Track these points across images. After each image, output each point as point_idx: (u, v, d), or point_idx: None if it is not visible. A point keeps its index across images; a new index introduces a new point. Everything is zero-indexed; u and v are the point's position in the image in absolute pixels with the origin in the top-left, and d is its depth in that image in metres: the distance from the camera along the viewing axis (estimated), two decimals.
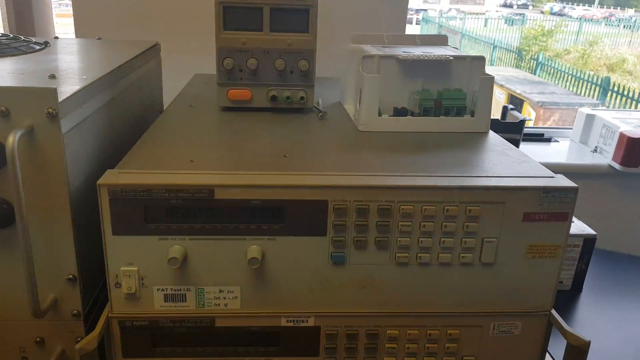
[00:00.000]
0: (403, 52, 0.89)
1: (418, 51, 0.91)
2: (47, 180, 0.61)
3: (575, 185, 0.66)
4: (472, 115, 0.87)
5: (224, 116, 0.91)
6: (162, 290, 0.67)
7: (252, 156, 0.74)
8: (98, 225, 0.63)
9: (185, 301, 0.68)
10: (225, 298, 0.68)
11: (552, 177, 0.68)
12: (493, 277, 0.69)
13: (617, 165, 1.73)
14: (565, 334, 0.68)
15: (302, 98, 0.93)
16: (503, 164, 0.73)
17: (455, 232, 0.66)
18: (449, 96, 0.87)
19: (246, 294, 0.68)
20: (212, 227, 0.64)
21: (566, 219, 0.67)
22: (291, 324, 0.70)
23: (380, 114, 0.86)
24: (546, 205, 0.66)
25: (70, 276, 0.65)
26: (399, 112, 0.87)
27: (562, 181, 0.67)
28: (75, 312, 0.67)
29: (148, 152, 0.73)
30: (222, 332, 0.69)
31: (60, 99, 0.59)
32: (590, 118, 1.89)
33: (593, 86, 7.19)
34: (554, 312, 0.72)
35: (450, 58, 0.87)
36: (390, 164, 0.73)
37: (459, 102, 0.87)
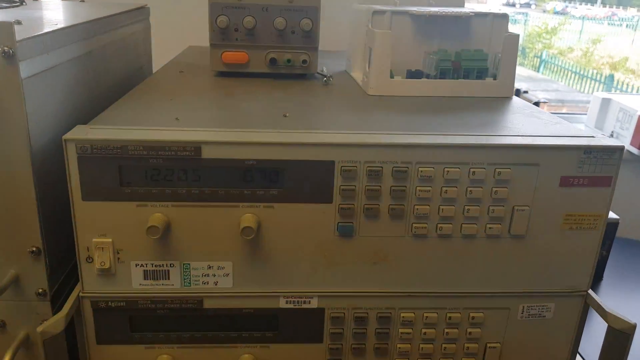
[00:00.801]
0: (417, 9, 0.80)
1: (434, 9, 0.82)
2: (4, 134, 0.52)
3: (621, 144, 0.57)
4: (495, 78, 0.78)
5: (218, 81, 0.82)
6: (141, 265, 0.58)
7: (247, 115, 0.65)
8: (67, 190, 0.54)
9: (169, 279, 0.59)
10: (214, 275, 0.59)
11: (593, 137, 0.59)
12: (524, 251, 0.60)
13: (635, 150, 1.64)
14: (606, 316, 0.59)
15: (304, 62, 0.84)
16: (534, 125, 0.64)
17: (481, 198, 0.57)
18: (469, 57, 0.78)
19: (239, 270, 0.59)
20: (199, 191, 0.55)
21: (609, 184, 0.58)
22: (291, 306, 0.61)
23: (392, 77, 0.76)
24: (586, 168, 0.57)
25: (34, 249, 0.56)
26: (413, 74, 0.78)
27: (605, 140, 0.58)
28: (40, 290, 0.57)
29: (127, 110, 0.64)
30: (212, 314, 0.60)
31: (18, 38, 0.50)
32: (605, 102, 1.80)
33: (597, 84, 7.11)
34: (591, 292, 0.63)
35: (471, 14, 0.78)
36: (406, 124, 0.64)
37: (480, 64, 0.78)
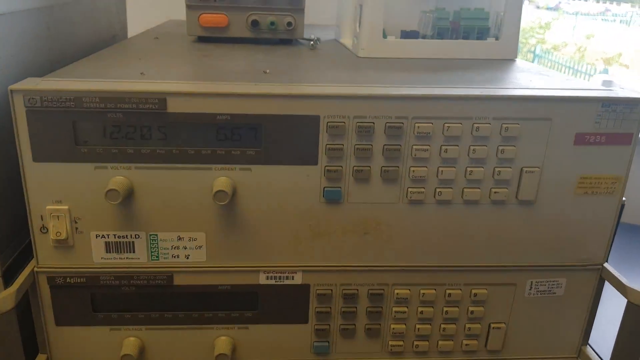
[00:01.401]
0: None
1: None
2: None
3: None
4: (497, 39, 0.71)
5: (194, 45, 0.75)
6: (102, 237, 0.51)
7: (223, 72, 0.58)
8: (16, 150, 0.47)
9: (134, 252, 0.52)
10: (185, 248, 0.52)
11: (610, 89, 0.53)
12: (532, 219, 0.54)
13: None
14: (625, 291, 0.53)
15: (289, 24, 0.77)
16: (545, 81, 0.58)
17: (485, 158, 0.51)
18: (469, 16, 0.71)
19: (213, 242, 0.52)
20: (165, 151, 0.49)
21: (629, 142, 0.52)
22: (272, 282, 0.54)
23: (385, 37, 0.70)
24: (604, 124, 0.51)
25: None
26: (408, 35, 0.72)
27: (625, 92, 0.52)
28: None
29: (87, 67, 0.58)
30: (183, 292, 0.54)
31: None
32: (607, 85, 1.75)
33: (590, 78, 7.09)
34: (608, 266, 0.56)
35: None
36: (401, 80, 0.57)
37: (481, 23, 0.71)
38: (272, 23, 0.77)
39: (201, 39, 0.78)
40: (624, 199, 0.94)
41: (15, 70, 0.54)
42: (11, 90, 0.46)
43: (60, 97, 0.46)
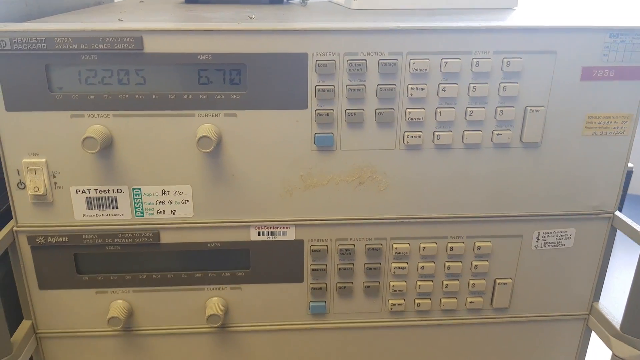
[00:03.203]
0: None
1: None
2: None
3: None
4: None
5: (182, 6, 0.72)
6: (83, 192, 0.48)
7: (206, 19, 0.55)
8: None
9: (117, 207, 0.49)
10: (171, 202, 0.50)
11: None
12: (538, 163, 0.50)
13: None
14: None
15: None
16: (549, 18, 0.54)
17: (487, 97, 0.48)
18: None
19: (200, 196, 0.49)
20: (144, 96, 0.46)
21: None
22: (264, 238, 0.51)
23: None
24: (613, 56, 0.47)
25: None
26: None
27: (635, 21, 0.48)
28: None
29: (63, 19, 0.55)
30: (171, 251, 0.51)
31: None
32: None
33: None
34: (619, 214, 0.53)
35: None
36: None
37: None
38: None
39: (189, 1, 0.75)
40: (631, 165, 0.91)
41: None
42: None
43: (31, 38, 0.43)
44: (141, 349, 0.55)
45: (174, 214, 0.50)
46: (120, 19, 0.50)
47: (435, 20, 0.51)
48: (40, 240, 0.49)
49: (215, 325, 0.52)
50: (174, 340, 0.55)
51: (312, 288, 0.53)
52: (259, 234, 0.51)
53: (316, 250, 0.52)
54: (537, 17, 0.53)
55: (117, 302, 0.52)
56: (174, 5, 0.71)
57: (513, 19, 0.52)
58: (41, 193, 0.48)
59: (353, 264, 0.53)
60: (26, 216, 0.49)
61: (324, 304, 0.54)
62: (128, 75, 0.45)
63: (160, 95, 0.46)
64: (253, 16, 0.54)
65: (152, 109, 0.46)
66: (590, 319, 0.57)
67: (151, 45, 0.44)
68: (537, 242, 0.54)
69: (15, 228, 0.49)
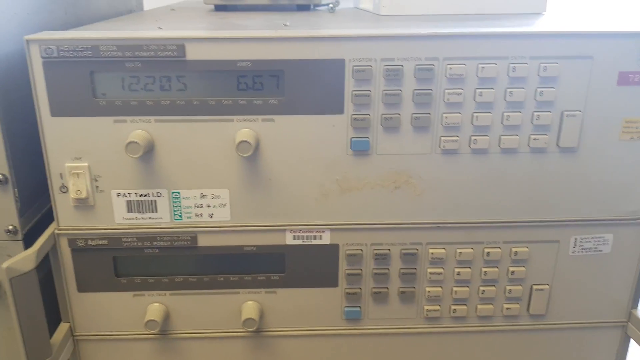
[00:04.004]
0: None
1: None
2: None
3: None
4: None
5: (212, 14, 0.74)
6: (124, 195, 0.49)
7: (241, 27, 0.56)
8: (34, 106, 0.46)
9: (156, 211, 0.50)
10: (209, 206, 0.50)
11: None
12: (575, 168, 0.50)
13: None
14: None
15: None
16: (585, 23, 0.54)
17: (523, 102, 0.48)
18: None
19: (237, 199, 0.50)
20: (185, 102, 0.47)
21: None
22: (299, 242, 0.52)
23: None
24: None
25: (0, 176, 0.48)
26: None
27: None
28: (10, 227, 0.49)
29: (104, 27, 0.56)
30: (208, 254, 0.52)
31: None
32: None
33: None
34: None
35: None
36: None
37: None
38: None
39: (218, 8, 0.77)
40: None
41: (30, 29, 0.52)
42: (27, 41, 0.44)
43: (77, 46, 0.45)
44: (177, 352, 0.55)
45: (211, 217, 0.51)
46: (159, 27, 0.51)
47: (470, 25, 0.51)
48: (81, 243, 0.51)
49: (250, 330, 0.52)
50: (209, 344, 0.55)
51: (347, 293, 0.53)
52: (294, 237, 0.52)
53: (351, 254, 0.52)
54: (572, 22, 0.53)
55: (154, 305, 0.53)
56: (205, 12, 0.73)
57: (549, 24, 0.52)
58: (83, 197, 0.49)
59: (388, 269, 0.53)
60: (67, 219, 0.50)
61: (358, 309, 0.54)
62: (170, 81, 0.46)
63: (201, 101, 0.47)
64: (287, 23, 0.55)
65: (193, 114, 0.47)
66: (628, 326, 0.56)
67: (193, 53, 0.45)
68: (574, 247, 0.53)
69: (56, 231, 0.50)
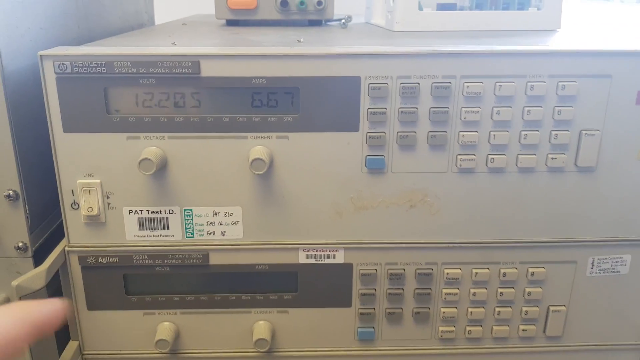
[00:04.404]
0: None
1: None
2: None
3: None
4: (539, 9, 0.68)
5: (223, 28, 0.73)
6: (136, 212, 0.49)
7: (255, 43, 0.56)
8: (47, 121, 0.46)
9: (168, 228, 0.50)
10: (221, 224, 0.50)
11: None
12: (593, 188, 0.49)
13: None
14: None
15: (319, 3, 0.74)
16: (604, 37, 0.54)
17: (541, 120, 0.47)
18: None
19: (250, 217, 0.49)
20: (199, 119, 0.46)
21: None
22: (312, 261, 0.51)
23: (420, 9, 0.67)
24: None
25: (10, 192, 0.47)
26: (445, 6, 0.68)
27: None
28: (19, 244, 0.49)
29: (117, 42, 0.56)
30: (220, 273, 0.51)
31: None
32: None
33: None
34: None
35: None
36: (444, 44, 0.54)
37: None
38: (302, 3, 0.74)
39: (229, 23, 0.77)
40: None
41: (44, 44, 0.52)
42: (41, 56, 0.44)
43: (91, 62, 0.44)
44: None
45: (223, 235, 0.50)
46: (173, 43, 0.51)
47: (486, 43, 0.50)
48: (91, 260, 0.50)
49: (262, 350, 0.51)
50: None
51: (361, 313, 0.52)
52: (307, 256, 0.51)
53: (365, 274, 0.51)
54: (589, 40, 0.53)
55: (164, 324, 0.52)
56: (216, 27, 0.73)
57: (567, 42, 0.51)
58: (95, 214, 0.48)
59: (403, 289, 0.52)
60: (78, 236, 0.49)
61: (372, 329, 0.53)
62: (184, 98, 0.46)
63: (215, 118, 0.46)
64: (301, 39, 0.54)
65: (206, 131, 0.47)
66: None
67: (208, 69, 0.45)
68: (591, 268, 0.52)
69: (67, 248, 0.50)
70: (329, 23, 0.79)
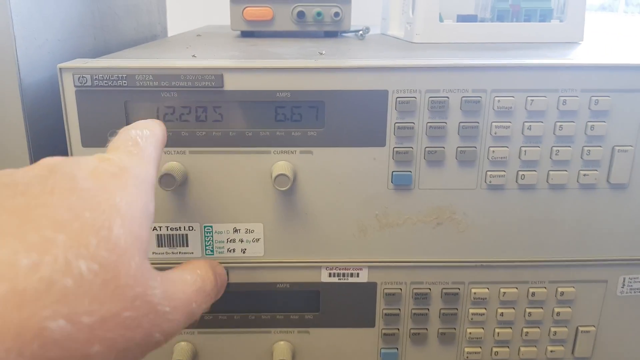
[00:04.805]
0: None
1: None
2: None
3: None
4: (561, 21, 0.67)
5: (239, 40, 0.73)
6: (155, 229, 0.47)
7: (276, 55, 0.55)
8: (65, 136, 0.44)
9: (187, 245, 0.48)
10: (242, 241, 0.48)
11: None
12: (625, 205, 0.48)
13: None
14: None
15: (336, 14, 0.73)
16: (632, 51, 0.53)
17: (573, 136, 0.46)
18: None
19: (271, 234, 0.48)
20: (221, 133, 0.45)
21: None
22: (335, 280, 0.49)
23: (441, 21, 0.66)
24: None
25: None
26: (466, 18, 0.67)
27: None
28: None
29: (135, 54, 0.55)
30: (239, 291, 0.49)
31: None
32: None
33: None
34: None
35: None
36: (471, 56, 0.53)
37: (543, 4, 0.67)
38: (319, 14, 0.73)
39: (245, 34, 0.76)
40: None
41: (61, 55, 0.51)
42: (60, 69, 0.43)
43: (112, 75, 0.43)
44: None
45: (244, 252, 0.48)
46: (193, 55, 0.50)
47: (512, 55, 0.49)
48: None
49: None
50: None
51: (384, 334, 0.51)
52: (330, 275, 0.49)
53: (390, 293, 0.50)
54: (618, 53, 0.51)
55: (181, 344, 0.50)
56: (232, 39, 0.72)
57: (600, 56, 0.50)
58: None
59: (428, 309, 0.50)
60: None
61: (396, 351, 0.51)
62: (206, 112, 0.45)
63: (237, 132, 0.45)
64: (323, 52, 0.53)
65: (229, 145, 0.45)
66: None
67: (231, 83, 0.44)
68: (622, 287, 0.51)
69: None
70: (344, 35, 0.78)
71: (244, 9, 0.73)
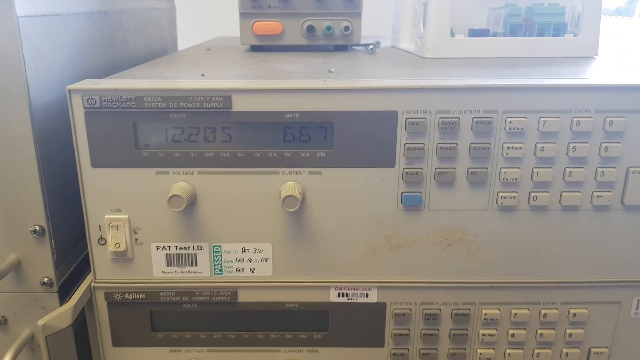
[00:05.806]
0: None
1: None
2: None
3: None
4: (575, 35, 0.66)
5: (249, 54, 0.73)
6: (163, 248, 0.47)
7: (285, 73, 0.54)
8: (74, 156, 0.45)
9: (196, 265, 0.48)
10: (251, 260, 0.48)
11: None
12: (639, 227, 0.47)
13: None
14: None
15: (346, 28, 0.73)
16: None
17: (587, 157, 0.45)
18: (543, 11, 0.66)
19: (280, 254, 0.48)
20: (229, 154, 0.45)
21: None
22: (344, 300, 0.49)
23: (452, 36, 0.65)
24: None
25: (37, 228, 0.46)
26: (477, 33, 0.67)
27: None
28: (45, 279, 0.48)
29: (144, 71, 0.55)
30: (248, 310, 0.49)
31: None
32: None
33: None
34: None
35: None
36: (482, 74, 0.52)
37: (556, 19, 0.66)
38: (329, 28, 0.73)
39: (254, 48, 0.76)
40: None
41: (71, 75, 0.52)
42: (69, 90, 0.43)
43: (121, 96, 0.43)
44: None
45: (252, 272, 0.48)
46: (202, 75, 0.50)
47: (526, 73, 0.49)
48: (118, 296, 0.48)
49: None
50: None
51: (394, 354, 0.50)
52: (339, 295, 0.49)
53: (399, 314, 0.49)
54: (633, 70, 0.50)
55: None
56: (241, 54, 0.72)
57: (613, 76, 0.49)
58: (122, 250, 0.47)
59: (438, 330, 0.50)
60: (105, 272, 0.48)
61: None
62: (214, 133, 0.45)
63: (246, 153, 0.45)
64: (333, 70, 0.53)
65: (237, 166, 0.45)
66: None
67: (239, 104, 0.44)
68: (636, 309, 0.50)
69: (93, 283, 0.48)
70: (354, 48, 0.77)
71: (254, 23, 0.73)
